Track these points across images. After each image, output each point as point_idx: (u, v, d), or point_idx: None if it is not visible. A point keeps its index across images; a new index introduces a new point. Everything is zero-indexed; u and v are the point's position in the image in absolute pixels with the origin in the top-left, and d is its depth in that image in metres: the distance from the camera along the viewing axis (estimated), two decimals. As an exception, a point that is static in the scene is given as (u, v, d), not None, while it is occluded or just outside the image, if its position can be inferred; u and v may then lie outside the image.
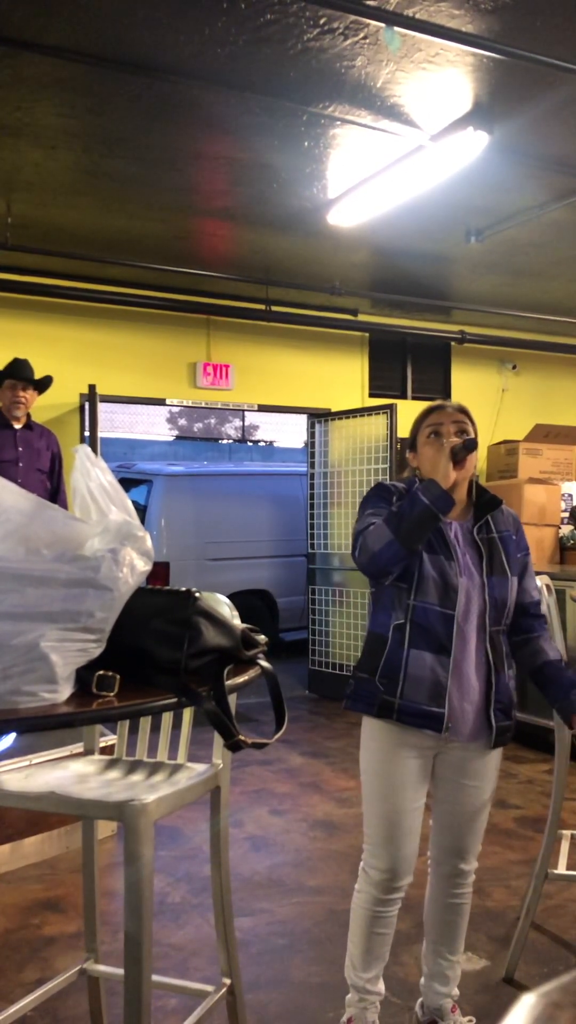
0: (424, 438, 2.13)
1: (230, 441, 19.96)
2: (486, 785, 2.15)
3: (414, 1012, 2.32)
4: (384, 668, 2.04)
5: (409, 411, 7.62)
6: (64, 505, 4.70)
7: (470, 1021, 2.24)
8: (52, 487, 4.84)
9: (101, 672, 1.34)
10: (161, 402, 6.65)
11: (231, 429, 20.34)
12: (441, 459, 2.00)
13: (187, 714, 1.93)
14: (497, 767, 2.19)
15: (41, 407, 5.74)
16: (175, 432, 19.67)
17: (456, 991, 2.26)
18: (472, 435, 2.11)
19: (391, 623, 2.05)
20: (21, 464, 4.66)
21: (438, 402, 2.18)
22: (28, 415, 4.78)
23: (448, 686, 2.01)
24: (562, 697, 2.14)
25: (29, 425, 4.79)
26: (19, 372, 4.69)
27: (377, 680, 2.05)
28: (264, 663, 1.54)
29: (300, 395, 7.05)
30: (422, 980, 2.28)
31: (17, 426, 4.71)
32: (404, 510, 1.97)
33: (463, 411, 2.15)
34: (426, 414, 2.17)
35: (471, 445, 2.03)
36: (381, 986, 2.16)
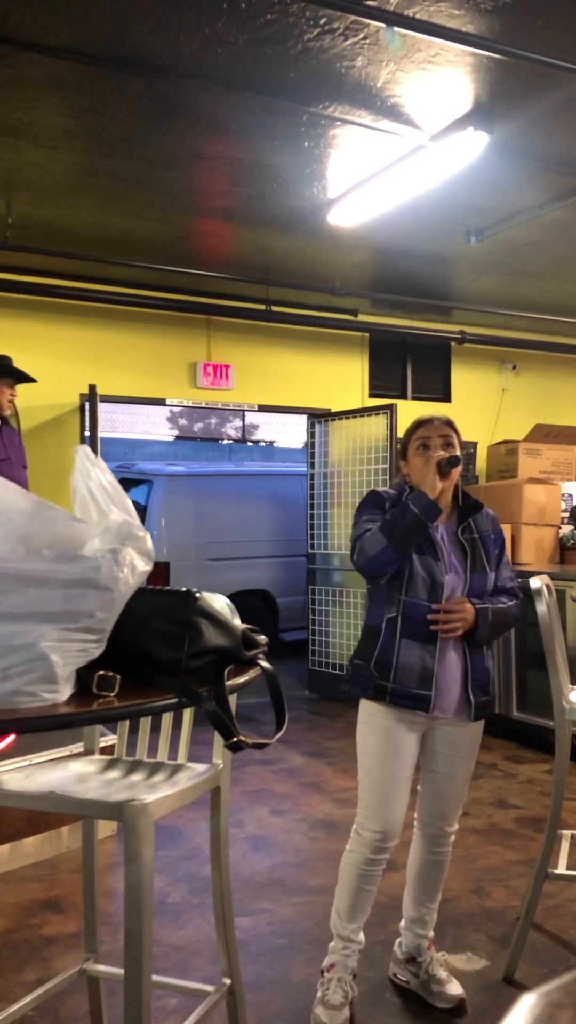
0: (413, 450, 2.40)
1: (230, 441, 19.96)
2: (470, 756, 2.41)
3: (393, 951, 2.57)
4: (379, 656, 2.30)
5: (409, 411, 7.62)
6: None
7: (443, 955, 2.54)
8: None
9: (101, 672, 1.34)
10: (161, 402, 6.65)
11: (231, 429, 20.34)
12: (428, 472, 2.28)
13: (187, 714, 1.93)
14: (478, 740, 2.43)
15: (41, 407, 5.76)
16: (175, 432, 19.67)
17: (431, 933, 2.53)
18: (457, 448, 2.37)
19: (384, 616, 2.32)
20: (12, 461, 4.65)
21: (427, 416, 2.44)
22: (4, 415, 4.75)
23: (435, 671, 2.27)
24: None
25: (5, 421, 4.77)
26: (12, 369, 4.67)
27: (372, 667, 2.31)
28: (264, 663, 1.54)
29: (300, 395, 7.05)
30: (402, 923, 2.54)
31: None
32: (397, 518, 2.24)
33: (449, 424, 2.40)
34: (415, 427, 2.43)
35: (455, 462, 2.31)
36: (362, 936, 2.40)
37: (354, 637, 6.29)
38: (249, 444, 18.75)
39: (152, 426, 16.93)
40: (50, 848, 3.40)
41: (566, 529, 6.14)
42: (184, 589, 1.49)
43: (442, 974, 2.44)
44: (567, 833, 2.90)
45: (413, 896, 2.52)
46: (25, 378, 4.72)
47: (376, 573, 2.30)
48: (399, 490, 2.41)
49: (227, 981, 1.93)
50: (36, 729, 1.33)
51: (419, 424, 2.43)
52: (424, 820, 2.47)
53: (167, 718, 1.95)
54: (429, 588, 2.29)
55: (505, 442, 7.27)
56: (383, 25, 2.96)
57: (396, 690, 2.28)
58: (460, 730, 2.37)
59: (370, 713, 2.35)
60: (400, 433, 6.31)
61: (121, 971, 1.62)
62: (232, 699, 1.53)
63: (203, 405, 6.81)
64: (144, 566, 1.44)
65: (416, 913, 2.52)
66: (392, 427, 6.10)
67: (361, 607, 6.27)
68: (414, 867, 2.52)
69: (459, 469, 2.34)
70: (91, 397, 5.87)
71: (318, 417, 6.83)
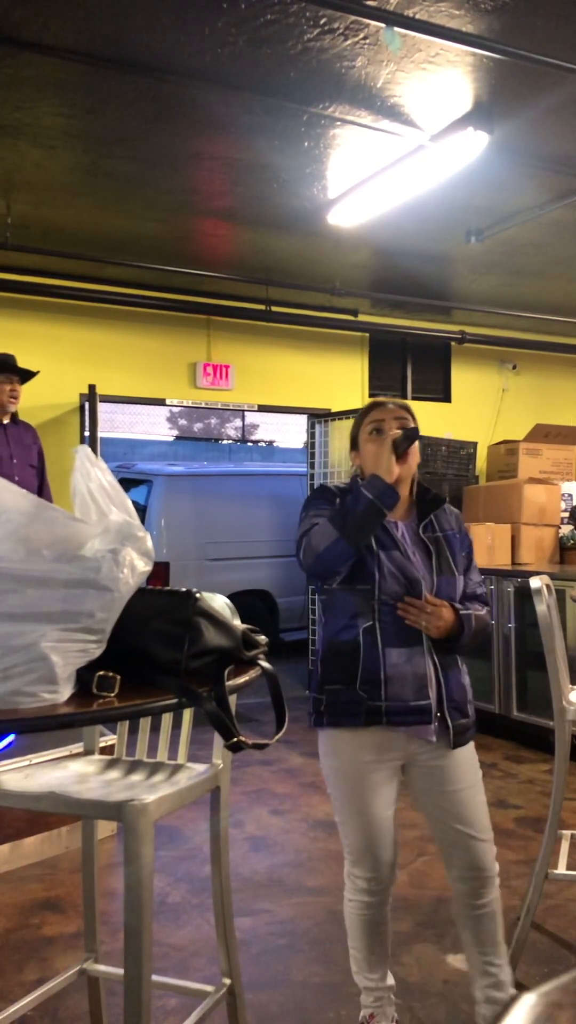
0: (365, 435, 2.13)
1: (230, 441, 19.96)
2: (464, 786, 2.07)
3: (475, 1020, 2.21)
4: (364, 673, 2.00)
5: (409, 411, 7.58)
6: (49, 499, 4.69)
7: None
8: (38, 482, 4.82)
9: (101, 672, 1.34)
10: (161, 402, 6.65)
11: (231, 429, 20.33)
12: (383, 453, 2.00)
13: (187, 714, 1.93)
14: (472, 764, 2.12)
15: (41, 407, 5.75)
16: (175, 432, 19.67)
17: (513, 989, 2.18)
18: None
19: (360, 626, 2.02)
20: (15, 460, 4.64)
21: (379, 399, 2.18)
22: (12, 411, 4.75)
23: (428, 674, 2.01)
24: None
25: (15, 421, 4.77)
26: (10, 365, 4.66)
27: (359, 688, 2.00)
28: (264, 663, 1.54)
29: (300, 395, 7.05)
30: (476, 992, 2.16)
31: (5, 422, 4.69)
32: (349, 507, 1.96)
33: (405, 408, 2.16)
34: (367, 411, 2.16)
35: (412, 435, 2.03)
36: (391, 979, 2.19)
37: (318, 637, 6.28)
38: (249, 444, 18.75)
39: (152, 426, 16.92)
40: (50, 848, 3.40)
41: (566, 529, 6.13)
42: (184, 589, 1.49)
43: None
44: (567, 833, 2.90)
45: (476, 959, 2.14)
46: (28, 375, 4.72)
47: (326, 571, 2.01)
48: (351, 485, 2.11)
49: (227, 981, 1.93)
50: (36, 729, 1.33)
51: (371, 408, 2.16)
52: (455, 875, 2.11)
53: (167, 718, 1.95)
54: (405, 587, 2.01)
55: (505, 442, 7.27)
56: (383, 25, 2.96)
57: (391, 708, 1.98)
58: (446, 760, 2.06)
59: (337, 748, 2.06)
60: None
61: (121, 971, 1.62)
62: (232, 699, 1.53)
63: (203, 405, 6.81)
64: (144, 566, 1.44)
65: (485, 978, 2.13)
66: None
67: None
68: (464, 925, 2.15)
69: (417, 454, 2.09)
70: (91, 397, 5.87)
71: (318, 417, 6.83)
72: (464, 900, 2.11)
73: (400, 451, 2.01)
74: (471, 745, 2.12)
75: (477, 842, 2.07)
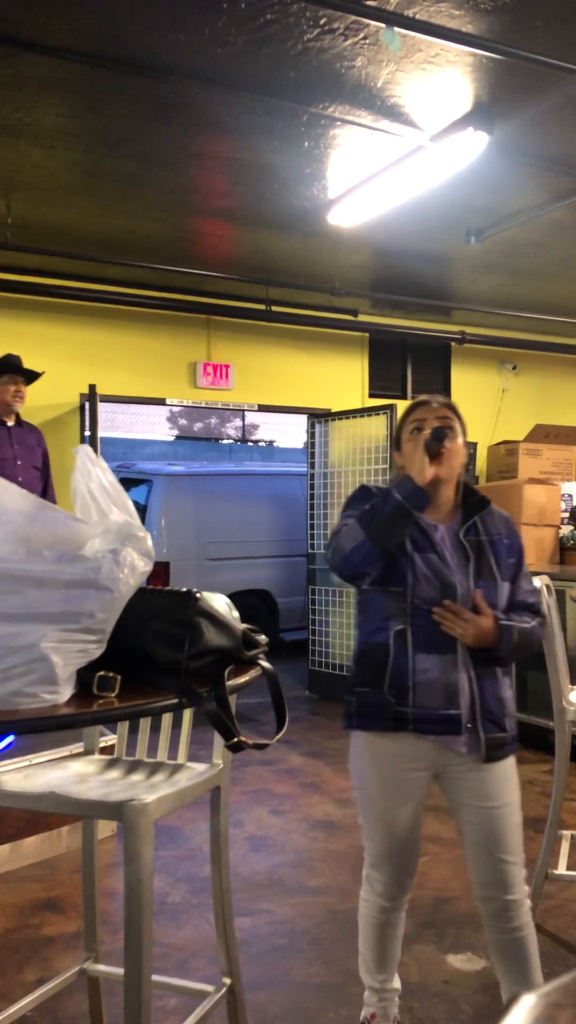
0: (407, 435, 2.06)
1: (230, 441, 19.96)
2: (498, 804, 1.97)
3: None
4: (392, 678, 1.94)
5: (409, 411, 7.58)
6: (54, 501, 4.70)
7: None
8: (43, 483, 4.83)
9: (102, 673, 1.34)
10: (161, 402, 6.65)
11: (231, 429, 20.34)
12: (416, 454, 1.93)
13: (187, 714, 1.93)
14: (510, 782, 2.00)
15: (41, 407, 5.75)
16: (175, 432, 19.67)
17: None
18: (459, 435, 2.03)
19: (391, 629, 1.96)
20: (19, 462, 4.65)
21: (423, 397, 2.11)
22: (17, 412, 4.76)
23: (460, 684, 1.92)
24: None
25: (19, 422, 4.77)
26: (15, 366, 4.67)
27: (386, 692, 1.94)
28: (265, 663, 1.54)
29: (300, 395, 7.05)
30: None
31: (10, 423, 4.70)
32: (377, 507, 1.91)
33: (449, 406, 2.08)
34: (410, 410, 2.10)
35: (440, 434, 1.94)
36: (397, 982, 2.16)
37: (354, 637, 6.28)
38: (249, 444, 18.75)
39: (152, 426, 16.93)
40: (50, 848, 3.40)
41: (566, 529, 6.13)
42: (184, 589, 1.49)
43: None
44: (567, 833, 2.90)
45: (509, 989, 2.07)
46: (33, 376, 4.73)
47: (353, 573, 1.96)
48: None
49: (227, 981, 1.93)
50: (37, 730, 1.33)
51: (414, 407, 2.09)
52: (481, 894, 2.02)
53: (167, 718, 1.95)
54: (439, 591, 1.94)
55: (505, 442, 7.27)
56: (383, 25, 2.96)
57: (419, 715, 1.92)
58: (479, 774, 1.96)
59: (371, 752, 2.00)
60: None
61: (121, 971, 1.62)
62: (232, 699, 1.53)
63: (203, 405, 6.81)
64: (144, 566, 1.44)
65: None
66: (392, 427, 6.10)
67: (361, 607, 6.26)
68: (495, 953, 2.06)
69: (462, 454, 2.01)
70: (91, 397, 5.87)
71: (318, 417, 6.83)
72: (491, 922, 2.03)
73: (432, 452, 1.93)
74: (510, 761, 2.01)
75: (504, 864, 1.97)
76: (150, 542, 1.48)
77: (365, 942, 2.14)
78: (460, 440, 2.03)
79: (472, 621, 1.90)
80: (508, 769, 2.00)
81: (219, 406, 6.88)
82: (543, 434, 7.15)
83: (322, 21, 3.01)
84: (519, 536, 2.11)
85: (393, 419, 6.11)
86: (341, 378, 7.24)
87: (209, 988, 1.93)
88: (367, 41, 3.12)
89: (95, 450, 5.12)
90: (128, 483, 7.16)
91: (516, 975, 2.03)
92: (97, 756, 2.04)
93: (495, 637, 1.91)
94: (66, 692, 1.31)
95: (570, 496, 6.48)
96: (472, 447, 6.98)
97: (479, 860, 1.99)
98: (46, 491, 4.82)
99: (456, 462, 2.00)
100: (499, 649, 1.92)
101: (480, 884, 2.01)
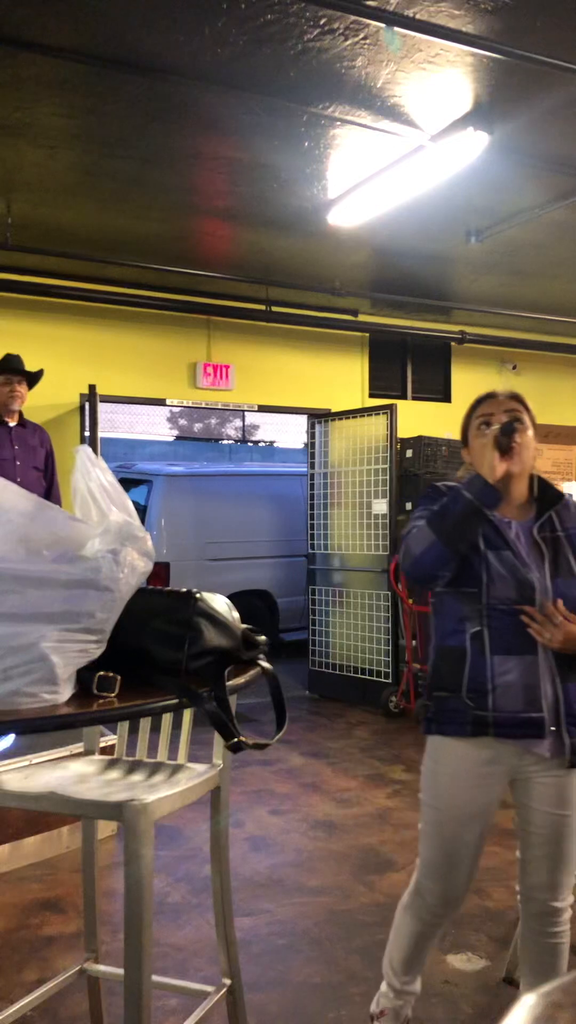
0: (475, 430, 1.98)
1: (230, 441, 19.96)
2: (569, 812, 1.91)
3: None
4: (470, 682, 1.86)
5: (409, 411, 7.61)
6: (58, 501, 4.70)
7: None
8: (47, 483, 4.83)
9: (102, 673, 1.34)
10: (161, 402, 6.65)
11: (231, 429, 20.34)
12: (486, 450, 1.86)
13: (187, 714, 1.93)
14: None
15: (41, 407, 5.75)
16: (175, 432, 19.68)
17: None
18: (529, 426, 1.94)
19: (466, 632, 1.88)
20: (19, 463, 4.65)
21: (488, 391, 2.03)
22: (20, 412, 4.76)
23: (542, 686, 1.85)
24: None
25: (23, 422, 4.77)
26: (12, 365, 4.67)
27: (464, 696, 1.87)
28: (265, 663, 1.54)
29: (300, 395, 7.05)
30: None
31: (11, 423, 4.69)
32: (447, 508, 1.85)
33: (516, 398, 1.99)
34: (475, 405, 2.02)
35: (508, 429, 1.85)
36: (418, 985, 2.10)
37: (354, 638, 6.29)
38: (249, 444, 18.75)
39: (152, 426, 16.92)
40: (50, 848, 3.40)
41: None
42: (184, 589, 1.49)
43: None
44: None
45: (532, 987, 2.09)
46: (34, 377, 4.73)
47: (426, 576, 1.89)
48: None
49: (227, 981, 1.93)
50: (37, 730, 1.33)
51: (480, 401, 2.01)
52: (526, 894, 1.98)
53: (167, 718, 1.95)
54: (516, 589, 1.86)
55: (505, 442, 7.27)
56: (383, 25, 2.96)
57: (499, 719, 1.84)
58: (558, 779, 1.89)
59: (451, 755, 1.91)
60: (400, 433, 6.31)
61: (121, 971, 1.62)
62: (232, 699, 1.53)
63: (203, 405, 6.81)
64: (144, 567, 1.44)
65: None
66: (392, 427, 6.10)
67: (362, 607, 6.27)
68: (526, 955, 2.03)
69: (532, 447, 1.92)
70: (91, 397, 5.87)
71: (318, 417, 6.83)
72: (532, 923, 1.99)
73: (503, 447, 1.85)
74: None
75: (560, 871, 1.94)
76: (150, 542, 1.47)
77: (398, 941, 2.07)
78: (531, 432, 1.95)
79: (561, 626, 1.82)
80: None
81: (219, 406, 6.88)
82: (543, 434, 7.15)
83: (322, 21, 3.01)
84: None
85: (393, 419, 6.12)
86: (341, 378, 7.24)
87: (209, 988, 1.93)
88: (367, 41, 3.12)
89: (95, 450, 5.12)
90: (128, 483, 7.17)
91: (542, 980, 1.95)
92: (97, 756, 2.04)
93: None
94: (66, 692, 1.31)
95: (570, 496, 6.47)
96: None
97: (536, 863, 1.95)
98: (50, 491, 4.82)
99: (528, 456, 1.92)
100: None
101: (530, 886, 1.97)
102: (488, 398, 2.01)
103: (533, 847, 1.95)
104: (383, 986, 2.12)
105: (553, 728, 1.85)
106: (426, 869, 1.98)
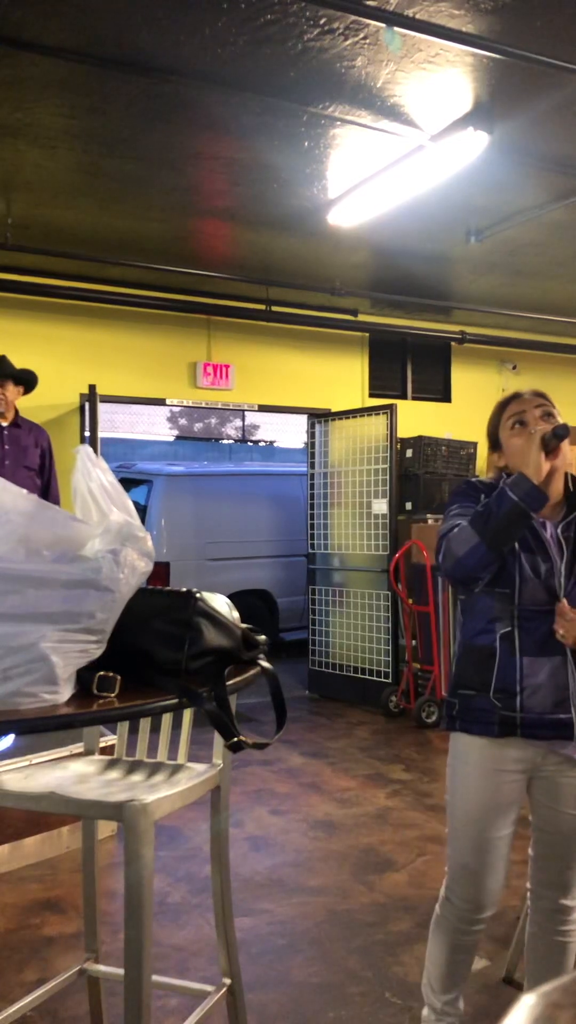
0: (508, 430, 1.95)
1: (230, 441, 19.97)
2: None
3: None
4: (498, 682, 1.86)
5: (409, 411, 7.61)
6: (56, 500, 4.69)
7: None
8: (43, 482, 4.81)
9: (102, 673, 1.34)
10: (161, 402, 6.65)
11: (231, 429, 20.35)
12: (531, 449, 1.81)
13: (187, 714, 1.93)
14: None
15: (41, 407, 5.75)
16: (175, 432, 19.68)
17: None
18: (560, 420, 1.92)
19: (497, 632, 1.88)
20: (8, 462, 4.63)
21: (514, 391, 2.01)
22: (16, 412, 4.75)
23: (570, 687, 1.85)
24: None
25: (17, 423, 4.76)
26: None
27: (492, 696, 1.86)
28: (264, 663, 1.54)
29: (300, 395, 7.05)
30: None
31: (3, 423, 4.68)
32: (491, 509, 1.81)
33: (543, 396, 1.98)
34: (504, 405, 1.99)
35: (562, 433, 1.82)
36: (461, 1005, 2.03)
37: (354, 637, 6.29)
38: (249, 444, 18.75)
39: (152, 426, 16.93)
40: (50, 848, 3.40)
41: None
42: (185, 589, 1.49)
43: None
44: None
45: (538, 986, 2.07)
46: (25, 381, 4.70)
47: (467, 578, 1.87)
48: (497, 479, 1.96)
49: (227, 981, 1.93)
50: (37, 730, 1.33)
51: (509, 400, 1.99)
52: (537, 891, 1.99)
53: (167, 718, 1.95)
54: (547, 591, 1.86)
55: (505, 442, 7.27)
56: (383, 25, 2.96)
57: (528, 720, 1.84)
58: (570, 779, 1.90)
59: (469, 755, 1.91)
60: (400, 433, 6.30)
61: (121, 971, 1.62)
62: (232, 699, 1.53)
63: (203, 405, 6.82)
64: (145, 567, 1.44)
65: None
66: (392, 427, 6.10)
67: (362, 607, 6.27)
68: (532, 951, 2.04)
69: (568, 448, 1.88)
70: (91, 397, 5.87)
71: (318, 417, 6.83)
72: (540, 921, 2.00)
73: (550, 448, 1.83)
74: None
75: (571, 869, 1.95)
76: (150, 542, 1.47)
77: (434, 957, 2.02)
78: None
79: (574, 622, 1.81)
80: None
81: (219, 406, 6.88)
82: (543, 434, 7.15)
83: (322, 21, 3.01)
84: None
85: (393, 419, 6.11)
86: (341, 378, 7.24)
87: (209, 988, 1.93)
88: (367, 41, 3.12)
89: (95, 450, 5.12)
90: (128, 483, 7.17)
91: (549, 979, 1.98)
92: (97, 756, 2.04)
93: None
94: (66, 692, 1.31)
95: None
96: (472, 447, 6.98)
97: (549, 861, 1.95)
98: (48, 490, 4.81)
99: (567, 454, 1.89)
100: None
101: (541, 883, 1.97)
102: (516, 398, 1.98)
103: (548, 845, 1.95)
104: (424, 1010, 2.06)
105: None
106: (457, 873, 1.95)
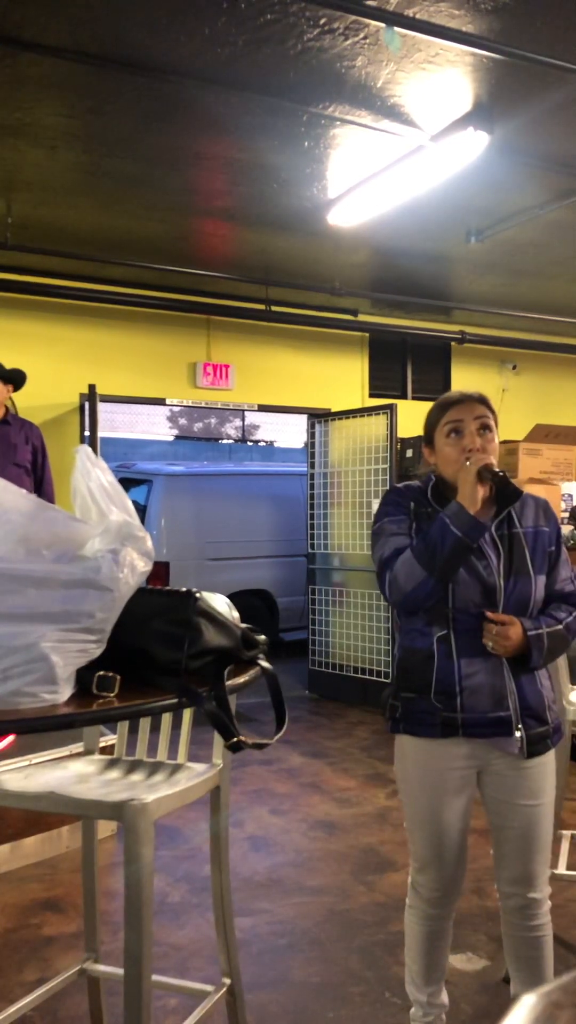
0: (444, 436, 1.97)
1: (230, 441, 19.97)
2: (537, 802, 1.95)
3: None
4: (438, 684, 1.90)
5: (409, 411, 7.60)
6: (51, 496, 4.68)
7: None
8: (36, 479, 4.79)
9: (101, 673, 1.34)
10: (161, 402, 6.65)
11: (231, 429, 20.36)
12: (467, 482, 1.86)
13: (187, 714, 1.93)
14: (548, 779, 1.98)
15: (41, 407, 5.76)
16: (175, 432, 19.69)
17: None
18: (495, 429, 1.98)
19: (435, 635, 1.91)
20: None
21: (456, 394, 2.00)
22: (7, 409, 4.72)
23: (507, 686, 1.90)
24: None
25: (7, 420, 4.74)
26: None
27: (433, 698, 1.90)
28: (264, 663, 1.54)
29: (300, 395, 7.05)
30: None
31: None
32: (434, 543, 1.84)
33: (484, 402, 1.99)
34: (444, 408, 1.99)
35: (499, 478, 1.87)
36: (445, 997, 2.10)
37: (354, 637, 6.29)
38: (249, 444, 18.76)
39: (152, 426, 16.94)
40: (50, 848, 3.40)
41: (566, 529, 6.13)
42: (184, 589, 1.49)
43: None
44: (567, 833, 2.90)
45: (521, 988, 2.05)
46: (13, 380, 4.67)
47: (415, 608, 1.91)
48: (425, 483, 2.01)
49: (227, 981, 1.93)
50: (37, 730, 1.33)
51: (448, 404, 1.98)
52: (504, 890, 2.02)
53: (167, 718, 1.95)
54: (481, 594, 1.89)
55: (505, 442, 7.27)
56: (383, 25, 2.96)
57: (469, 720, 1.88)
58: (522, 771, 1.93)
59: (413, 753, 1.97)
60: (400, 433, 6.31)
61: (121, 971, 1.62)
62: (232, 699, 1.53)
63: (203, 405, 6.82)
64: (144, 566, 1.44)
65: None
66: (392, 427, 6.10)
67: (362, 607, 6.27)
68: (510, 950, 2.06)
69: (496, 451, 1.95)
70: (91, 397, 5.87)
71: (318, 417, 6.83)
72: (511, 918, 2.03)
73: (485, 480, 1.87)
74: (551, 756, 1.97)
75: (534, 862, 1.98)
76: (150, 542, 1.48)
77: (411, 953, 2.08)
78: (495, 434, 1.99)
79: (501, 633, 1.85)
80: (548, 765, 1.97)
81: (219, 406, 6.88)
82: (543, 434, 7.15)
83: (322, 21, 3.01)
84: (556, 521, 2.02)
85: (393, 419, 6.11)
86: (341, 378, 7.24)
87: (209, 988, 1.93)
88: (367, 41, 3.12)
89: (95, 450, 5.11)
90: (128, 483, 7.16)
91: (528, 974, 2.03)
92: (97, 756, 2.04)
93: (525, 645, 1.87)
94: (66, 692, 1.31)
95: (570, 496, 6.47)
96: (472, 447, 6.97)
97: (510, 857, 1.98)
98: (41, 487, 4.78)
99: (492, 449, 1.96)
100: (532, 660, 1.88)
101: (507, 880, 2.00)
102: (456, 403, 1.98)
103: (507, 841, 1.98)
104: (412, 1008, 2.10)
105: (520, 725, 1.91)
106: (418, 863, 2.03)
